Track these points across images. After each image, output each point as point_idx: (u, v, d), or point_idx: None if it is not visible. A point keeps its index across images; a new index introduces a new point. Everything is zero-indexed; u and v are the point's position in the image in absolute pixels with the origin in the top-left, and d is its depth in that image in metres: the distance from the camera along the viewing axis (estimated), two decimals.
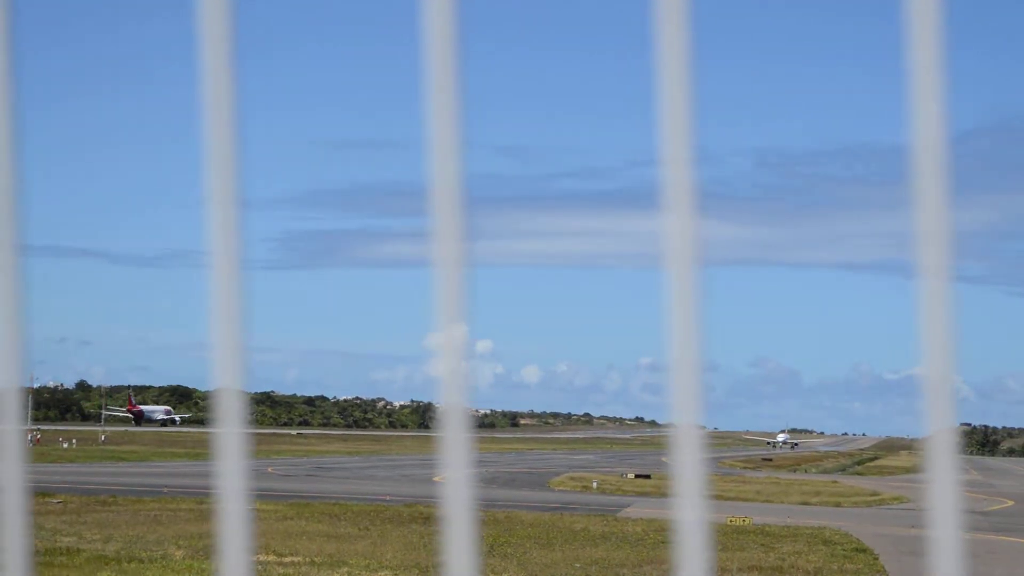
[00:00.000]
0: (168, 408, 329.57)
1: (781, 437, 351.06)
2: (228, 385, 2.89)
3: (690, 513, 2.77)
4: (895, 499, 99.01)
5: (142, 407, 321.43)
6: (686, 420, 2.75)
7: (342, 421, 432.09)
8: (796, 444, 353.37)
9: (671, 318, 2.76)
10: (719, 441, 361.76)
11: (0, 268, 2.86)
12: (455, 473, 2.76)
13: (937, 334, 2.73)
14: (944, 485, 2.78)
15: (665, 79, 2.77)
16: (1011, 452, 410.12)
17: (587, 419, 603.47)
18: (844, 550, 51.65)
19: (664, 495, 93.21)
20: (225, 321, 2.83)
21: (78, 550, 42.45)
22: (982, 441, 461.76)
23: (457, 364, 2.74)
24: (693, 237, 2.75)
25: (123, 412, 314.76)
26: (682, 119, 2.75)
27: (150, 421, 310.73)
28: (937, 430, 2.78)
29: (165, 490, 78.47)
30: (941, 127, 2.76)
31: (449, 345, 2.75)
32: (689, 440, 2.75)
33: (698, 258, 2.75)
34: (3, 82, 2.89)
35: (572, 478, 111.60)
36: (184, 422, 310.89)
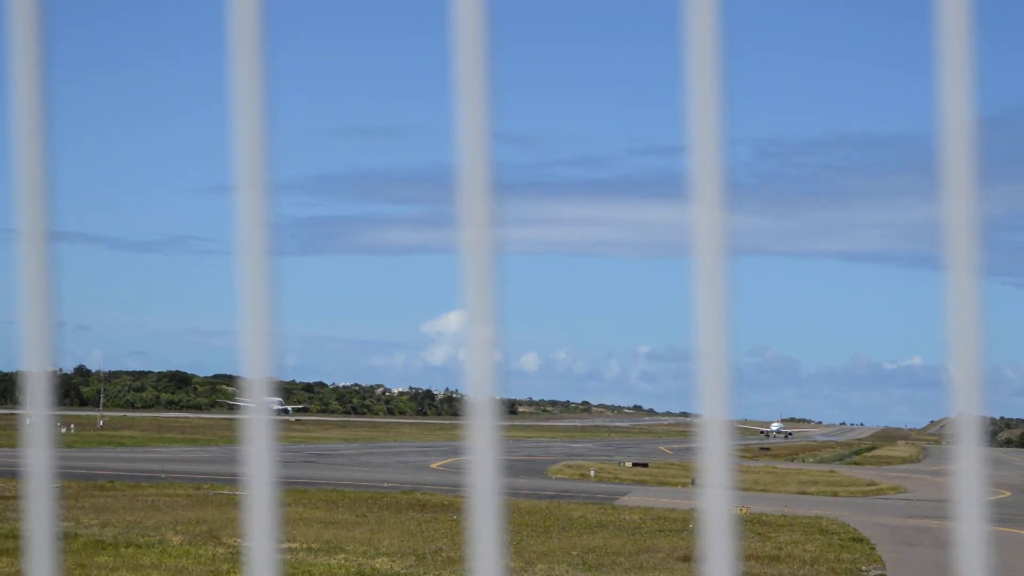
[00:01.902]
0: (280, 399, 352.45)
1: (775, 426, 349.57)
2: (256, 373, 2.88)
3: (716, 504, 2.76)
4: (892, 489, 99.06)
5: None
6: (713, 412, 2.74)
7: (340, 407, 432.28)
8: (790, 433, 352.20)
9: (699, 309, 2.75)
10: None
11: (29, 255, 2.86)
12: (482, 462, 2.75)
13: (964, 325, 2.73)
14: (968, 477, 2.77)
15: (694, 66, 2.76)
16: (1008, 443, 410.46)
17: (585, 407, 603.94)
18: (841, 539, 51.69)
19: (662, 483, 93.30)
20: (253, 308, 2.82)
21: (75, 535, 42.46)
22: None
23: (486, 353, 2.73)
24: (721, 227, 2.74)
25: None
26: (711, 107, 2.74)
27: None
28: (962, 422, 2.78)
29: (163, 476, 78.49)
30: (969, 115, 2.75)
31: (478, 334, 2.74)
32: (716, 432, 2.74)
33: (726, 249, 2.75)
34: (35, 72, 2.88)
35: (570, 466, 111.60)
36: (296, 412, 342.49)
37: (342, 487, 71.57)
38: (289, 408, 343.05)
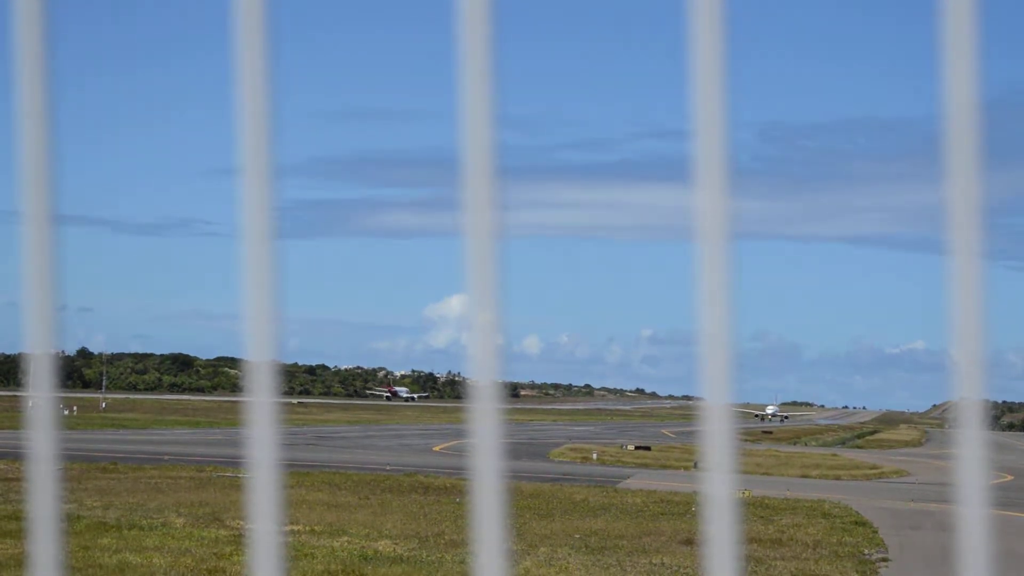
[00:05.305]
0: (407, 389, 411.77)
1: (771, 409, 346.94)
2: (260, 356, 2.89)
3: (718, 487, 2.77)
4: (895, 472, 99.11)
5: (396, 388, 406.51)
6: (716, 396, 2.74)
7: (343, 390, 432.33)
8: (786, 417, 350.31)
9: (702, 293, 2.75)
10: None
11: (33, 238, 2.86)
12: (485, 445, 2.76)
13: (967, 309, 2.73)
14: (971, 461, 2.77)
15: (698, 50, 2.76)
16: (1011, 427, 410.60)
17: (588, 390, 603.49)
18: (843, 523, 51.74)
19: (664, 467, 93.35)
20: (256, 291, 2.82)
21: (78, 517, 42.52)
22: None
23: (489, 336, 2.73)
24: (724, 211, 2.74)
25: (384, 391, 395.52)
26: (715, 91, 2.73)
27: (398, 398, 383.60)
28: (965, 406, 2.78)
29: (166, 458, 78.61)
30: (972, 98, 2.75)
31: (481, 318, 2.74)
32: (718, 415, 2.74)
33: (729, 232, 2.75)
34: (39, 55, 2.88)
35: (572, 449, 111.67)
36: (421, 399, 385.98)
37: (345, 470, 71.67)
38: (415, 396, 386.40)
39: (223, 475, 62.97)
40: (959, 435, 2.79)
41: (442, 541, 40.54)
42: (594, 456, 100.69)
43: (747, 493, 62.65)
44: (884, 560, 41.59)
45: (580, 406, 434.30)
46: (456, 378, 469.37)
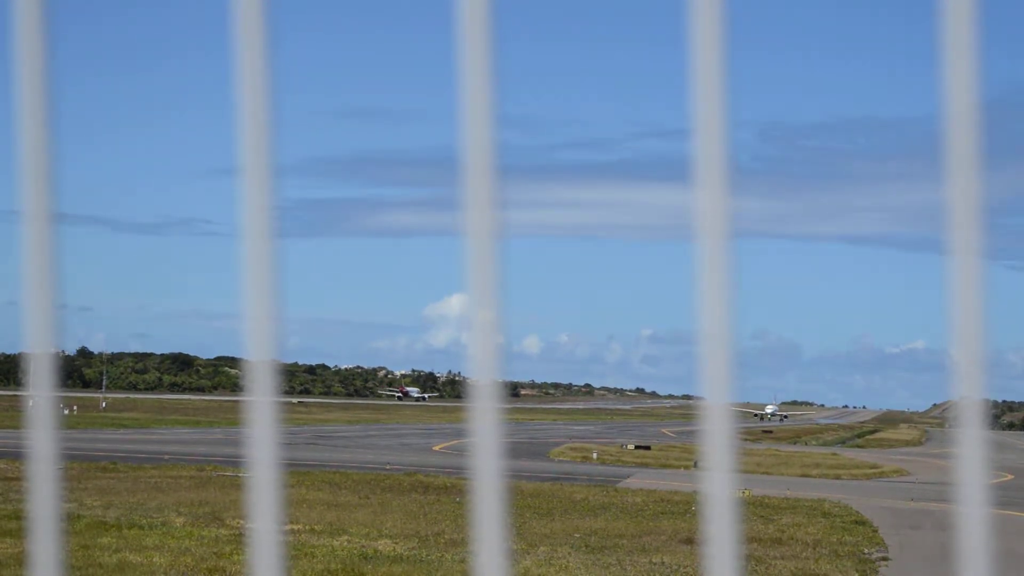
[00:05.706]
0: (418, 389, 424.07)
1: (770, 409, 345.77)
2: (260, 355, 2.89)
3: (718, 487, 2.77)
4: (895, 472, 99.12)
5: (407, 389, 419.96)
6: (716, 395, 2.74)
7: (343, 390, 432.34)
8: (785, 416, 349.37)
9: (702, 292, 2.75)
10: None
11: (33, 237, 2.86)
12: (485, 444, 2.76)
13: (967, 308, 2.73)
14: (971, 460, 2.77)
15: (698, 50, 2.76)
16: (1011, 426, 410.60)
17: (588, 390, 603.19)
18: (843, 522, 51.75)
19: (664, 466, 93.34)
20: (257, 290, 2.83)
21: (79, 516, 42.52)
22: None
23: (489, 335, 2.73)
24: (724, 210, 2.74)
25: (396, 392, 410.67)
26: (714, 90, 2.74)
27: (410, 398, 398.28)
28: (964, 405, 2.78)
29: (166, 457, 78.61)
30: (972, 97, 2.75)
31: (481, 317, 2.74)
32: (718, 414, 2.74)
33: (729, 232, 2.75)
34: (39, 55, 2.88)
35: (572, 448, 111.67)
36: (431, 399, 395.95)
37: (345, 469, 71.68)
38: (426, 396, 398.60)
39: (223, 474, 62.98)
40: (959, 434, 2.79)
41: (442, 540, 40.54)
42: (594, 455, 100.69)
43: (747, 492, 62.62)
44: (884, 559, 41.60)
45: (580, 405, 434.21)
46: (456, 378, 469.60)
